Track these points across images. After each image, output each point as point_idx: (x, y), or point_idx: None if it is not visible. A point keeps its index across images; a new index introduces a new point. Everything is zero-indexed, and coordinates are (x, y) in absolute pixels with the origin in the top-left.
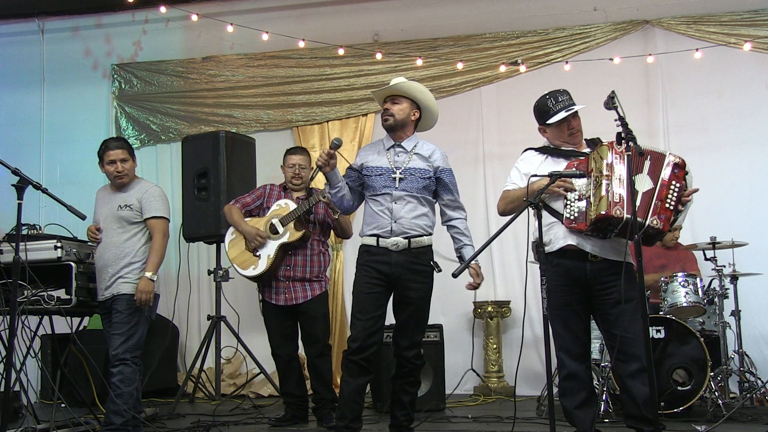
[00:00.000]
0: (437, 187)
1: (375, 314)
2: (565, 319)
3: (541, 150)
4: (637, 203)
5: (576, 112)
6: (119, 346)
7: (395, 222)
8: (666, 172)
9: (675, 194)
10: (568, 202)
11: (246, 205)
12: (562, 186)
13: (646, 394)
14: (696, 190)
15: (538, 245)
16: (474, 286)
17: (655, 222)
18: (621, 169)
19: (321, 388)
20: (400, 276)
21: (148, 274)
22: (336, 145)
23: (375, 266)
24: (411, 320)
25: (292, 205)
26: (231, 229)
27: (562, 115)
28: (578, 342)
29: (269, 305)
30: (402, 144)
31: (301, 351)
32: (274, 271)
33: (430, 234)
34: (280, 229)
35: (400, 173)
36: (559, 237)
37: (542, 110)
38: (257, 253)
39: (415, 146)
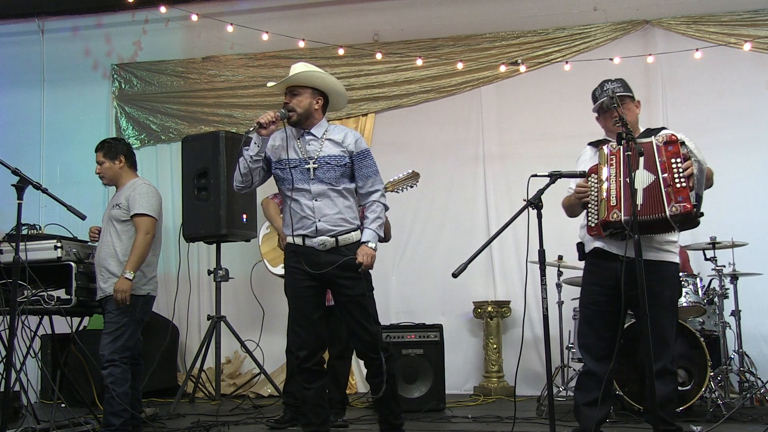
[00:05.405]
0: (354, 172)
1: (316, 316)
2: (590, 317)
3: (594, 143)
4: (640, 201)
5: (630, 101)
6: (106, 347)
7: (319, 221)
8: (661, 156)
9: (680, 170)
10: (590, 208)
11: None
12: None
13: (663, 393)
14: (690, 164)
15: (578, 245)
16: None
17: (674, 209)
18: (618, 171)
19: (333, 389)
20: (332, 275)
21: (126, 273)
22: (285, 114)
23: (304, 267)
24: (355, 319)
25: None
26: (266, 224)
27: (597, 105)
28: (602, 343)
29: None
30: (312, 131)
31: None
32: None
33: (358, 227)
34: None
35: (314, 163)
36: (589, 239)
37: (593, 100)
38: None
39: (325, 132)
